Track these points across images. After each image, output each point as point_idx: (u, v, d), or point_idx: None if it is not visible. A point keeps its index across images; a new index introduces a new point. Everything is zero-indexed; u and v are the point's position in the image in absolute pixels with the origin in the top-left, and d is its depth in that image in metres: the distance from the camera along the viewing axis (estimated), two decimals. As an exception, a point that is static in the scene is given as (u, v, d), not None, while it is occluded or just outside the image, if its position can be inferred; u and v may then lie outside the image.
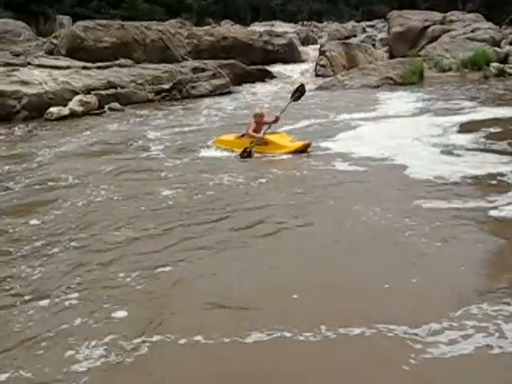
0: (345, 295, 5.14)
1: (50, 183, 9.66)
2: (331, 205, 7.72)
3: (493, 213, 7.02)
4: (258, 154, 11.13)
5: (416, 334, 4.33)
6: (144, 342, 4.43)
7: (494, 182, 8.49)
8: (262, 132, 11.48)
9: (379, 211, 7.18)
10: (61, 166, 10.84)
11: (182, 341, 4.42)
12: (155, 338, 4.46)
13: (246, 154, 11.02)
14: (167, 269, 5.76)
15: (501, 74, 22.92)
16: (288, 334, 4.39)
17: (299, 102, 12.66)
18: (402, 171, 9.21)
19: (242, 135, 11.80)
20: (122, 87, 20.07)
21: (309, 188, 8.56)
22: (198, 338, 4.43)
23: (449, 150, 10.65)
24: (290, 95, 12.38)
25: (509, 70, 23.24)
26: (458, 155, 10.29)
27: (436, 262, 5.75)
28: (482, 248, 6.05)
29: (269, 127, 11.52)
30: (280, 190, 8.72)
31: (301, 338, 4.36)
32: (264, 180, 9.27)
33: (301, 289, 5.20)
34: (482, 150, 10.60)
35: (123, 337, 4.50)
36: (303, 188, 8.60)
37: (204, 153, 11.77)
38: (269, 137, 11.40)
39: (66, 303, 5.13)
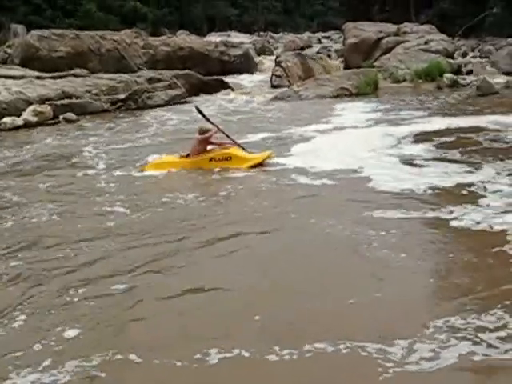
0: (308, 310, 5.15)
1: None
2: (292, 219, 7.67)
3: (454, 223, 7.14)
4: (217, 169, 10.47)
5: (385, 350, 4.36)
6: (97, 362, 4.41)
7: (452, 191, 8.65)
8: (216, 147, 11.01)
9: (340, 223, 7.24)
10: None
11: (138, 360, 4.41)
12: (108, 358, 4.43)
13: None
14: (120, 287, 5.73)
15: (454, 84, 23.33)
16: (247, 354, 4.37)
17: (251, 114, 12.77)
18: (362, 183, 9.27)
19: (187, 155, 10.92)
20: (77, 97, 19.90)
21: (270, 203, 8.46)
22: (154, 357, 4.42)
23: (406, 161, 10.80)
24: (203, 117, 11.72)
25: (461, 81, 23.67)
26: (415, 165, 10.45)
27: (398, 274, 5.82)
28: (444, 259, 6.17)
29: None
30: (238, 205, 8.59)
31: (265, 357, 4.36)
32: (216, 198, 9.04)
33: (265, 307, 5.22)
34: (437, 160, 10.80)
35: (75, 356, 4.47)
36: (263, 203, 8.48)
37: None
38: (229, 151, 10.77)
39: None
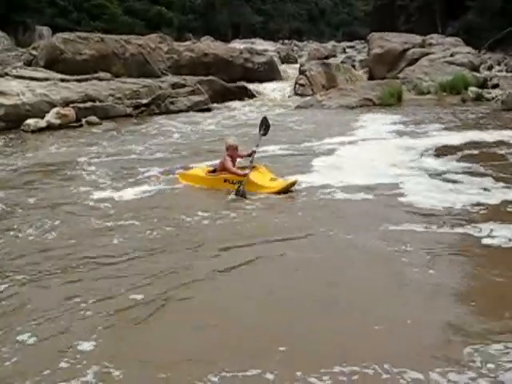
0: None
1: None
2: (319, 235, 7.47)
3: (486, 240, 7.01)
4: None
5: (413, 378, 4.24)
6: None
7: (482, 207, 8.49)
8: (244, 169, 9.89)
9: (367, 238, 7.19)
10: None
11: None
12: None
13: (241, 194, 9.32)
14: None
15: (478, 98, 23.23)
16: (270, 376, 4.26)
17: (273, 122, 12.25)
18: (388, 198, 9.08)
19: (214, 170, 10.21)
20: (100, 101, 20.07)
21: (292, 219, 8.21)
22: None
23: (431, 175, 10.63)
24: (258, 129, 10.71)
25: (486, 95, 23.56)
26: (441, 180, 10.26)
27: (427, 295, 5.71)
28: (474, 279, 6.07)
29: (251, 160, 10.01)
30: (264, 223, 8.24)
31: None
32: (232, 213, 8.48)
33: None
34: (463, 174, 10.63)
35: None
36: (285, 219, 8.23)
37: (159, 185, 10.55)
38: (245, 173, 9.71)
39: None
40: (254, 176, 9.59)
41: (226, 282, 6.05)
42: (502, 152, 12.84)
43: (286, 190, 9.33)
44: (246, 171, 9.62)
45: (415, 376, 4.17)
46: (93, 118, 18.69)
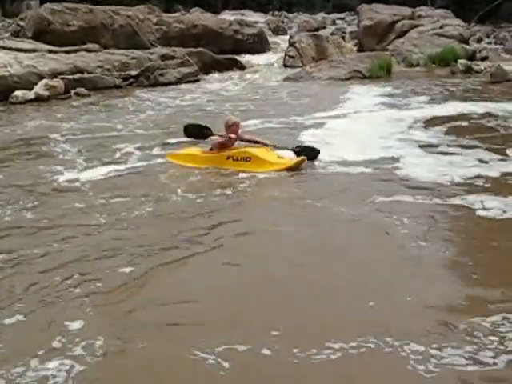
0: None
1: None
2: (316, 210, 7.52)
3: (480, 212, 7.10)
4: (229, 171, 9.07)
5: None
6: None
7: (474, 179, 8.59)
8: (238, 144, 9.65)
9: (364, 211, 7.25)
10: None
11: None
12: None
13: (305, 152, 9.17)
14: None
15: (468, 70, 23.18)
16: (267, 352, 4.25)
17: (263, 94, 12.15)
18: (381, 171, 9.09)
19: (211, 149, 9.67)
20: (89, 72, 19.91)
21: (290, 195, 8.19)
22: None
23: (422, 147, 10.74)
24: (299, 147, 9.79)
25: (476, 67, 23.51)
26: (432, 152, 10.38)
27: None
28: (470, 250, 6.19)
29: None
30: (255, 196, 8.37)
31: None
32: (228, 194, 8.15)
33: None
34: (453, 146, 10.76)
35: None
36: (281, 195, 8.21)
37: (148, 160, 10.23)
38: (251, 150, 9.23)
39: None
40: (260, 152, 9.15)
41: (211, 257, 6.03)
42: (491, 124, 12.97)
43: (296, 168, 8.96)
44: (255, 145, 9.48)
45: (416, 348, 4.20)
46: (81, 90, 18.56)
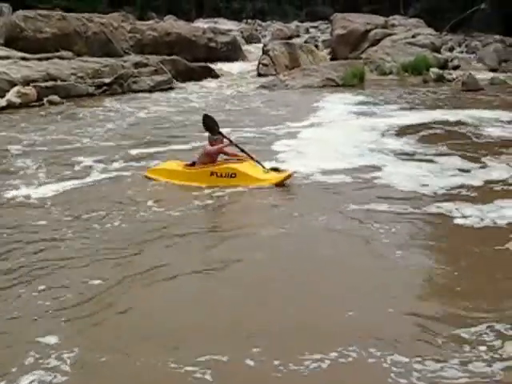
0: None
1: None
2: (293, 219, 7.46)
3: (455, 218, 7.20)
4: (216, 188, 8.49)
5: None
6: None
7: (446, 185, 8.68)
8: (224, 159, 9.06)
9: (339, 219, 7.29)
10: None
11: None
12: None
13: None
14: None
15: (439, 79, 23.48)
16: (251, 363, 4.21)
17: (237, 103, 11.96)
18: (355, 181, 9.03)
19: (192, 163, 9.03)
20: (62, 80, 19.77)
21: (265, 205, 7.99)
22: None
23: (395, 155, 10.86)
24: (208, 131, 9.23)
25: (447, 76, 23.80)
26: (404, 159, 10.54)
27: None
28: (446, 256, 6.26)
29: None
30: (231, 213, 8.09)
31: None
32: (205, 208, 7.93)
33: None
34: (426, 154, 10.93)
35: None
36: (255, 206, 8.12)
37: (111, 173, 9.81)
38: (235, 165, 8.69)
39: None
40: (246, 168, 8.57)
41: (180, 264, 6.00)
42: (463, 131, 13.19)
43: (282, 183, 8.48)
44: (241, 159, 8.81)
45: (398, 359, 4.19)
46: (54, 98, 18.42)
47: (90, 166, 10.34)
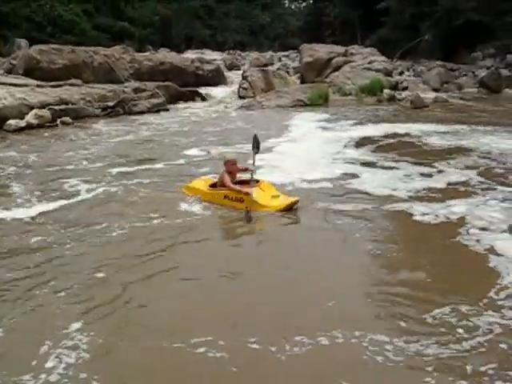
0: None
1: None
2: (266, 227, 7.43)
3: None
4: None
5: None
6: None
7: (405, 187, 8.79)
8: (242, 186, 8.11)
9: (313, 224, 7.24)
10: None
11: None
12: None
13: (247, 218, 7.44)
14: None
15: (391, 98, 23.68)
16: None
17: (220, 121, 11.59)
18: (321, 188, 8.86)
19: (214, 184, 8.44)
20: (73, 103, 19.67)
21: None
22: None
23: (356, 162, 10.97)
24: (252, 147, 8.59)
25: (398, 96, 24.02)
26: (365, 165, 10.65)
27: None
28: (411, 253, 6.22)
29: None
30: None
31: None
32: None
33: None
34: (384, 160, 11.11)
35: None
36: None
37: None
38: (246, 191, 7.93)
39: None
40: (256, 195, 7.84)
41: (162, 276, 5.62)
42: (413, 141, 13.49)
43: (289, 209, 7.69)
44: (248, 190, 7.86)
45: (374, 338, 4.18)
46: (66, 119, 18.34)
47: (81, 186, 9.42)
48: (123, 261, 5.89)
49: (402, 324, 4.37)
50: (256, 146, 8.53)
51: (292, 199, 7.85)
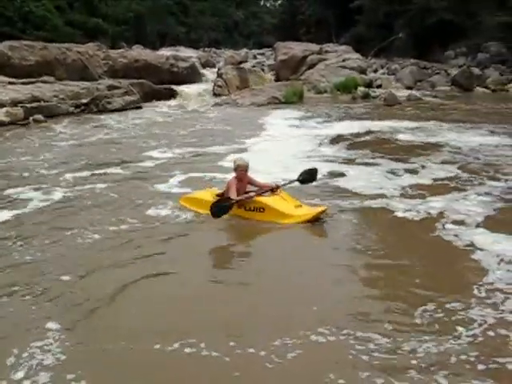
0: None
1: None
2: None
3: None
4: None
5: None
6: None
7: (383, 183, 8.87)
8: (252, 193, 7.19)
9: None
10: None
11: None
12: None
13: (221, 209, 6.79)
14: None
15: (366, 96, 23.88)
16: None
17: (195, 118, 11.13)
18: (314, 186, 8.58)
19: (222, 193, 7.43)
20: (46, 101, 19.50)
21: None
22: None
23: (331, 159, 11.06)
24: (299, 174, 7.94)
25: (372, 94, 24.22)
26: (342, 162, 10.73)
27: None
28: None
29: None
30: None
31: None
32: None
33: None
34: (360, 157, 11.25)
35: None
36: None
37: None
38: (265, 200, 7.03)
39: None
40: (275, 202, 6.96)
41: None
42: (386, 137, 13.68)
43: (316, 218, 6.86)
44: (251, 194, 7.11)
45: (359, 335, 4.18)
46: (39, 117, 18.15)
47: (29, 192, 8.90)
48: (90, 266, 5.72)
49: (391, 321, 4.38)
50: (303, 179, 7.88)
51: (320, 208, 7.01)
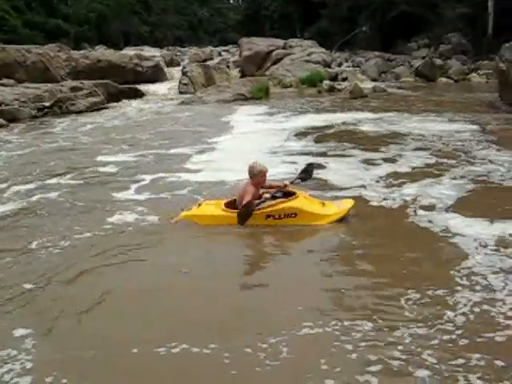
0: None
1: None
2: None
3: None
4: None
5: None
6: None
7: (353, 174, 8.83)
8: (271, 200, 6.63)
9: None
10: None
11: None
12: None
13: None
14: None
15: (331, 89, 24.04)
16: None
17: (160, 118, 10.60)
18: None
19: (231, 204, 6.75)
20: (6, 105, 19.17)
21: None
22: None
23: (299, 152, 11.01)
24: (299, 173, 7.63)
25: (338, 87, 24.39)
26: (309, 154, 10.71)
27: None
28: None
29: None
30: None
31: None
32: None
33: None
34: (329, 149, 11.26)
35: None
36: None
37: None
38: (295, 204, 6.47)
39: None
40: (305, 205, 6.53)
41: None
42: (352, 128, 13.83)
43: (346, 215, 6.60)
44: (267, 197, 6.68)
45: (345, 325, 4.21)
46: (0, 121, 17.80)
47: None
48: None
49: (376, 311, 4.35)
50: (303, 176, 7.53)
51: (348, 203, 6.73)
